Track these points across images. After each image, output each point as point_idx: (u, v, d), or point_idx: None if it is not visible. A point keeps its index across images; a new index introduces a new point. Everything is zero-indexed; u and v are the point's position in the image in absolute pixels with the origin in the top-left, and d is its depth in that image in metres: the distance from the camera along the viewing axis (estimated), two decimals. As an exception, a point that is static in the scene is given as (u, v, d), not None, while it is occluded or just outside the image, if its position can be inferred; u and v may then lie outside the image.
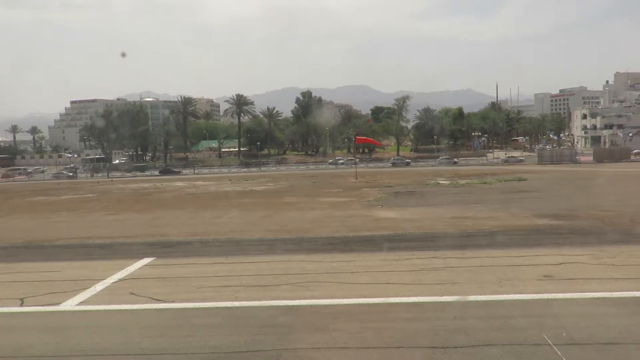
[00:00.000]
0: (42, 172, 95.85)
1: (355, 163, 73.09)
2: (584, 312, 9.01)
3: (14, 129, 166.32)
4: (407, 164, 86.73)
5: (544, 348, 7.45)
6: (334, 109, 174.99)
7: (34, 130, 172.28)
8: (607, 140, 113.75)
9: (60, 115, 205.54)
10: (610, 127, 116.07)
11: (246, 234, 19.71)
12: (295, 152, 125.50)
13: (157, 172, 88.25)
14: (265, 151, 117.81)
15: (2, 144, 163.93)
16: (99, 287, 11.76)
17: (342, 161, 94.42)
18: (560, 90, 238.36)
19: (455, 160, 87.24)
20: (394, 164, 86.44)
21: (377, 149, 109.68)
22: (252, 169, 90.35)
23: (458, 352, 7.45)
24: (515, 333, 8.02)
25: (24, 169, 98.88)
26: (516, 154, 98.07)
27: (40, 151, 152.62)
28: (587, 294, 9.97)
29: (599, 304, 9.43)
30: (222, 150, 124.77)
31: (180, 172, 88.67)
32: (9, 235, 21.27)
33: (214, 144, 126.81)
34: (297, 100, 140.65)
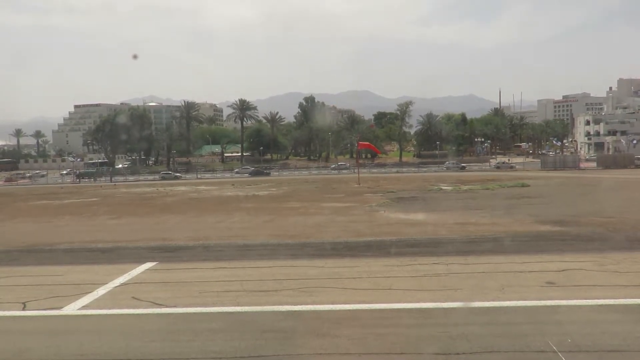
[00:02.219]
0: (43, 176, 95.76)
1: (357, 168, 72.99)
2: (588, 319, 8.95)
3: (18, 133, 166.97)
4: (463, 168, 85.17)
5: (548, 355, 7.40)
6: (336, 114, 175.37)
7: (37, 135, 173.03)
8: (610, 146, 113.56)
9: (64, 119, 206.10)
10: (614, 133, 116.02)
11: (248, 238, 19.70)
12: (298, 157, 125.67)
13: (247, 174, 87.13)
14: (268, 156, 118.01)
15: (6, 147, 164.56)
16: (101, 291, 11.75)
17: (333, 165, 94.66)
18: (564, 97, 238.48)
19: (513, 165, 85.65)
20: (448, 168, 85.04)
21: (377, 156, 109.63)
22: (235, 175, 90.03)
23: (461, 358, 7.40)
24: (519, 339, 7.97)
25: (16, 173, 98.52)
26: (519, 159, 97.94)
27: (44, 155, 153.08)
28: (590, 300, 9.92)
29: (603, 310, 9.38)
30: (225, 155, 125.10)
31: (269, 173, 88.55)
32: (11, 239, 21.29)
33: (217, 148, 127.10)
34: (300, 106, 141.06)
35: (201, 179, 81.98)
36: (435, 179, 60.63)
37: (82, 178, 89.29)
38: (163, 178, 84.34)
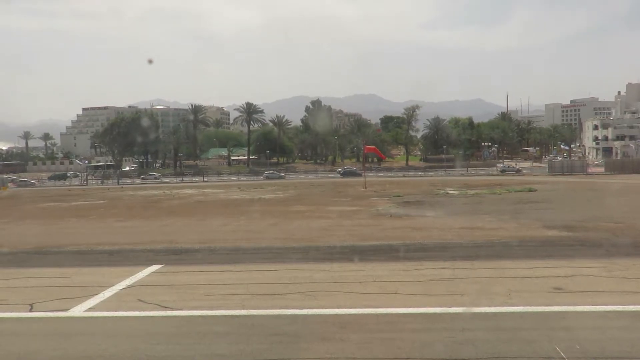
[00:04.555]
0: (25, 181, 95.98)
1: (364, 172, 72.85)
2: (595, 325, 8.87)
3: (26, 136, 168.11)
4: (518, 171, 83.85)
5: (554, 361, 7.34)
6: (343, 117, 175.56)
7: (46, 137, 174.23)
8: (618, 151, 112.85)
9: (72, 122, 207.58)
10: (622, 138, 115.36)
11: (254, 242, 19.71)
12: (305, 161, 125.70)
13: (339, 175, 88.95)
14: (275, 159, 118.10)
15: (14, 150, 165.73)
16: (108, 293, 11.79)
17: (339, 169, 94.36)
18: (572, 101, 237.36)
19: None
20: (503, 171, 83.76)
21: (382, 161, 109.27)
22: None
23: (467, 364, 7.36)
24: (525, 345, 7.91)
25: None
26: (526, 164, 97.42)
27: (52, 158, 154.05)
28: (598, 307, 9.82)
29: (611, 317, 9.29)
30: (232, 158, 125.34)
31: (361, 174, 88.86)
32: (18, 241, 21.43)
33: (223, 151, 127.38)
34: (307, 109, 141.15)
35: (295, 178, 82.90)
36: (442, 183, 60.46)
37: (55, 180, 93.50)
38: (267, 178, 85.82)
